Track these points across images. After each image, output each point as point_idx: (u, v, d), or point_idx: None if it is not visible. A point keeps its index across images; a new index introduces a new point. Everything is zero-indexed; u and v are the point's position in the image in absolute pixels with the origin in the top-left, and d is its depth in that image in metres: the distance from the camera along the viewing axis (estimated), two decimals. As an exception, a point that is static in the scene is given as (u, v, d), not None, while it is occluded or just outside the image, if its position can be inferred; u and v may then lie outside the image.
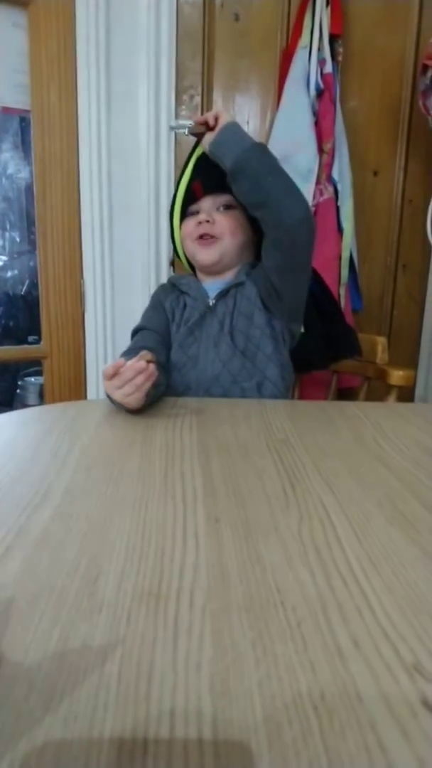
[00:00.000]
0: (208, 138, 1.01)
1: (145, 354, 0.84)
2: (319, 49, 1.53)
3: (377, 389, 1.24)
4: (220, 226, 1.05)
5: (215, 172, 1.02)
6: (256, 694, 0.31)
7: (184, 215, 1.11)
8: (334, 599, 0.40)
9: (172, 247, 1.65)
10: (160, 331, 1.11)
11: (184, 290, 1.12)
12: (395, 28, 1.67)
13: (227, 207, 1.06)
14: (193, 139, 1.09)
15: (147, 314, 1.18)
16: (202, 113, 1.62)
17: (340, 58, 1.57)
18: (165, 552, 0.45)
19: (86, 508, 0.53)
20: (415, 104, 1.66)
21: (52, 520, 0.51)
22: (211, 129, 1.01)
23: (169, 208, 1.15)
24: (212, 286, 1.10)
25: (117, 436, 0.76)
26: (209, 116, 1.01)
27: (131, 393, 0.81)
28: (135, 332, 1.13)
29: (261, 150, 0.98)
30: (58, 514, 0.52)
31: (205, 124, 1.01)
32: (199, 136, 1.03)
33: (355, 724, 0.29)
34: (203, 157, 1.07)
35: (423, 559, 0.46)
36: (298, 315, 1.08)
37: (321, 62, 1.53)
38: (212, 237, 1.05)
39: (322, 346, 1.15)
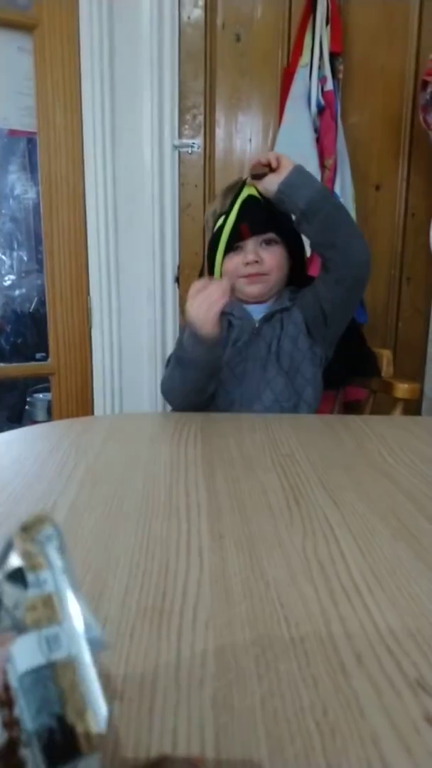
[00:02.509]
0: (273, 179, 1.01)
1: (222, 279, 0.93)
2: (320, 67, 1.55)
3: (383, 402, 1.23)
4: (268, 264, 1.08)
5: (260, 213, 1.06)
6: (258, 710, 0.31)
7: (226, 250, 1.13)
8: (337, 614, 0.40)
9: (177, 264, 1.67)
10: None
11: (228, 310, 1.12)
12: (395, 44, 1.69)
13: (269, 242, 1.09)
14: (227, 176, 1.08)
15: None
16: (205, 132, 1.65)
17: (340, 76, 1.60)
18: (169, 568, 0.46)
19: (91, 524, 0.53)
20: (415, 119, 1.67)
21: (58, 536, 0.51)
22: (272, 170, 1.02)
23: (208, 242, 1.16)
24: (255, 309, 1.12)
25: (122, 451, 0.76)
26: (271, 157, 1.02)
27: (203, 305, 0.91)
28: (170, 360, 1.13)
29: (328, 193, 1.03)
30: (64, 529, 0.52)
31: (268, 165, 1.02)
32: (260, 177, 1.03)
33: (357, 740, 0.29)
34: (248, 198, 1.09)
35: (427, 573, 0.45)
36: (335, 342, 1.12)
37: (322, 80, 1.56)
38: (261, 275, 1.08)
39: (343, 366, 1.17)
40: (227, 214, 1.10)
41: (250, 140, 1.69)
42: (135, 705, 0.31)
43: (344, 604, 0.41)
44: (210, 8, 1.61)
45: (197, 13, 1.61)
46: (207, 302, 0.91)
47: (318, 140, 1.56)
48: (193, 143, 1.65)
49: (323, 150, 1.55)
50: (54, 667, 0.23)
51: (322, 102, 1.56)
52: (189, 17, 1.60)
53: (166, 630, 0.38)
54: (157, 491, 0.62)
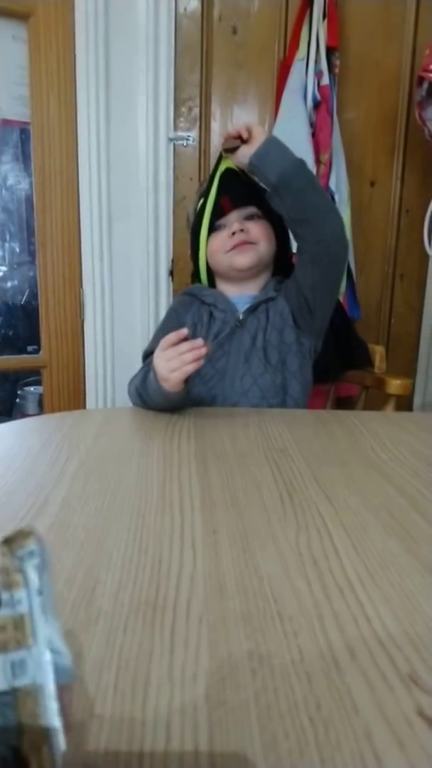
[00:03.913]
0: (244, 151, 0.98)
1: (203, 342, 0.86)
2: (316, 62, 1.55)
3: (375, 398, 1.24)
4: (254, 233, 1.05)
5: (240, 186, 1.04)
6: (252, 705, 0.31)
7: (209, 232, 1.10)
8: (330, 609, 0.40)
9: (171, 257, 1.67)
10: None
11: (210, 302, 1.11)
12: (391, 40, 1.69)
13: (253, 217, 1.07)
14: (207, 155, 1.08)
15: (159, 335, 1.15)
16: (201, 125, 1.64)
17: (336, 70, 1.59)
18: (162, 562, 0.46)
19: (83, 519, 0.53)
20: (411, 115, 1.67)
21: (50, 530, 0.51)
22: (244, 142, 0.99)
23: (191, 226, 1.14)
24: (239, 299, 1.09)
25: (115, 445, 0.76)
26: (242, 129, 0.99)
27: (175, 369, 0.84)
28: (146, 355, 1.11)
29: (303, 165, 0.98)
30: (56, 524, 0.52)
31: (239, 137, 0.99)
32: (232, 151, 1.01)
33: (350, 735, 0.29)
34: (226, 172, 1.07)
35: (419, 568, 0.46)
36: (322, 332, 1.09)
37: (318, 74, 1.55)
38: (249, 243, 1.05)
39: (335, 359, 1.16)
40: (207, 191, 1.09)
41: (246, 134, 1.68)
42: (128, 700, 0.31)
43: (337, 599, 0.41)
44: (206, 0, 1.59)
45: (194, 5, 1.59)
46: (177, 362, 0.84)
47: (313, 135, 1.55)
48: (189, 136, 1.64)
49: (319, 145, 1.55)
50: (16, 694, 0.22)
51: (318, 96, 1.55)
52: (185, 9, 1.59)
53: (159, 625, 0.38)
54: (150, 486, 0.61)
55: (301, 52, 1.56)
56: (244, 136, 0.98)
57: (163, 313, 1.65)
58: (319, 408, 1.32)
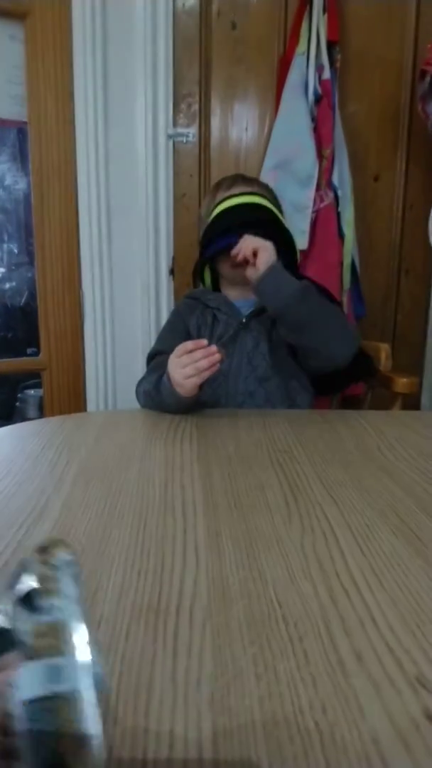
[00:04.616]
0: (250, 272, 0.99)
1: (218, 348, 0.86)
2: (317, 56, 1.53)
3: (381, 397, 1.23)
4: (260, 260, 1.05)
5: (256, 220, 1.05)
6: (256, 711, 0.31)
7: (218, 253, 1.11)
8: (336, 612, 0.39)
9: (171, 255, 1.66)
10: None
11: (213, 305, 1.11)
12: (392, 33, 1.68)
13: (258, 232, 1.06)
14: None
15: (165, 337, 1.16)
16: (200, 121, 1.63)
17: (337, 65, 1.58)
18: (165, 566, 0.45)
19: (84, 523, 0.53)
20: (414, 109, 1.66)
21: (51, 535, 0.50)
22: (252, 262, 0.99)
23: (200, 236, 1.15)
24: (244, 303, 1.09)
25: (116, 448, 0.76)
26: (248, 254, 0.98)
27: (191, 375, 0.85)
28: (151, 356, 1.12)
29: (300, 299, 0.95)
30: (57, 529, 0.52)
31: (246, 261, 1.00)
32: (242, 267, 1.01)
33: (357, 739, 0.29)
34: (245, 205, 1.07)
35: (427, 569, 0.45)
36: None
37: (319, 68, 1.54)
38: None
39: (337, 375, 1.15)
40: (222, 203, 1.08)
41: (246, 129, 1.67)
42: (131, 706, 0.31)
43: (343, 601, 0.41)
44: (205, -5, 1.58)
45: (192, 0, 1.58)
46: (192, 368, 0.85)
47: (315, 129, 1.54)
48: (188, 132, 1.63)
49: (321, 139, 1.54)
50: (55, 699, 0.22)
51: (320, 91, 1.54)
52: (184, 4, 1.58)
53: (162, 630, 0.37)
54: (152, 489, 0.61)
55: (302, 46, 1.55)
56: (251, 260, 0.99)
57: (164, 313, 1.65)
58: (324, 407, 1.32)
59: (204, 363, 0.85)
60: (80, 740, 0.22)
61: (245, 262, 0.99)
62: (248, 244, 0.98)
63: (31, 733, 0.21)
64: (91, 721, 0.22)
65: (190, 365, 0.85)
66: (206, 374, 0.86)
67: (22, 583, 0.25)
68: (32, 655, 0.23)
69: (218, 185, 1.15)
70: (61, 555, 0.26)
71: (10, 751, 0.21)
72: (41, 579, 0.25)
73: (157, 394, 0.93)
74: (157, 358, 1.08)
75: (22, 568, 0.25)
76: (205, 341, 0.86)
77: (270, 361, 1.05)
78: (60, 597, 0.25)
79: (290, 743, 0.29)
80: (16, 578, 0.25)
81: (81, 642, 0.24)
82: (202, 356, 0.85)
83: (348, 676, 0.33)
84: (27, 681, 0.22)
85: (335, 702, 0.31)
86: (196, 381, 0.85)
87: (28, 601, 0.24)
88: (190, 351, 0.86)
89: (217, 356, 0.85)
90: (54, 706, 0.22)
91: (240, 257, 0.99)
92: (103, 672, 0.25)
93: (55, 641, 0.24)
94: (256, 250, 0.97)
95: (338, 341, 0.98)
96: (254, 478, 0.64)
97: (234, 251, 1.00)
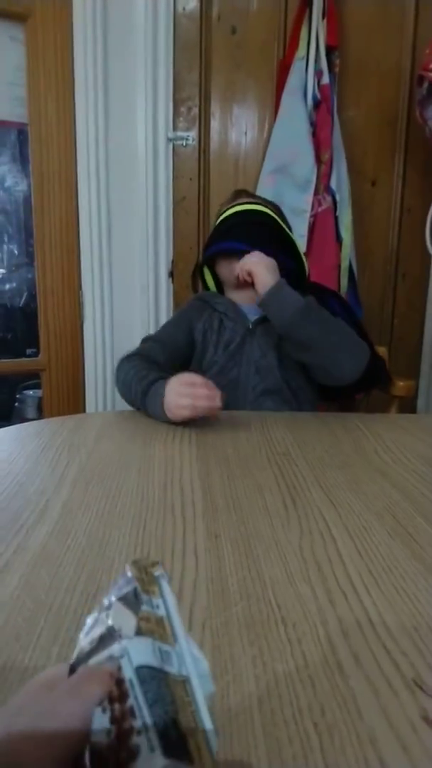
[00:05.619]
0: (253, 294, 1.00)
1: (221, 394, 0.84)
2: (316, 61, 1.54)
3: (378, 400, 1.23)
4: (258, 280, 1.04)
5: (264, 235, 1.05)
6: (256, 711, 0.31)
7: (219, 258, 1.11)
8: (334, 614, 0.40)
9: (171, 258, 1.66)
10: (173, 349, 1.09)
11: (221, 310, 1.11)
12: (391, 39, 1.69)
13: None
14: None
15: (168, 328, 1.15)
16: (200, 125, 1.64)
17: (336, 69, 1.58)
18: (164, 568, 0.45)
19: (84, 524, 0.53)
20: (412, 114, 1.67)
21: (51, 536, 0.51)
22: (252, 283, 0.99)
23: (205, 243, 1.15)
24: (250, 309, 1.08)
25: (115, 450, 0.76)
26: (243, 275, 0.99)
27: (185, 407, 0.82)
28: (147, 339, 1.11)
29: (304, 316, 0.94)
30: (57, 530, 0.52)
31: (245, 282, 1.00)
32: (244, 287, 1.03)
33: (355, 740, 0.29)
34: (256, 221, 1.07)
35: (424, 572, 0.45)
36: None
37: (318, 73, 1.55)
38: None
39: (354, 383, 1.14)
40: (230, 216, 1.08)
41: (246, 133, 1.68)
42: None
43: (341, 603, 0.41)
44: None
45: (192, 4, 1.59)
46: (188, 402, 0.82)
47: (314, 134, 1.55)
48: (188, 136, 1.64)
49: (319, 144, 1.55)
50: (167, 676, 0.23)
51: (318, 95, 1.55)
52: (184, 8, 1.59)
53: (162, 631, 0.37)
54: (152, 490, 0.61)
55: (301, 51, 1.55)
56: (248, 281, 0.99)
57: (163, 315, 1.65)
58: (322, 410, 1.32)
59: (203, 404, 0.82)
60: (195, 722, 0.22)
61: (249, 282, 1.00)
62: (242, 266, 0.99)
63: (148, 693, 0.22)
64: (204, 710, 0.23)
65: (188, 396, 0.82)
66: (200, 413, 0.83)
67: (125, 588, 0.26)
68: (140, 633, 0.24)
69: (222, 204, 1.16)
70: (157, 570, 0.27)
71: (123, 716, 0.21)
72: (140, 581, 0.26)
73: (141, 397, 0.89)
74: (152, 343, 1.08)
75: (123, 578, 0.27)
76: (212, 384, 0.83)
77: (278, 374, 1.04)
78: (160, 598, 0.26)
79: (289, 744, 0.29)
80: (118, 585, 0.26)
81: (184, 640, 0.25)
82: (204, 396, 0.82)
83: (346, 677, 0.34)
84: (139, 649, 0.23)
85: (333, 703, 0.32)
86: (187, 415, 0.82)
87: (131, 599, 0.25)
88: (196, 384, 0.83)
89: (218, 403, 0.82)
90: (167, 681, 0.23)
91: (240, 278, 1.00)
92: (209, 673, 0.25)
93: (159, 629, 0.24)
94: (249, 272, 0.98)
95: (346, 357, 0.96)
96: (253, 480, 0.64)
97: (235, 273, 1.01)
